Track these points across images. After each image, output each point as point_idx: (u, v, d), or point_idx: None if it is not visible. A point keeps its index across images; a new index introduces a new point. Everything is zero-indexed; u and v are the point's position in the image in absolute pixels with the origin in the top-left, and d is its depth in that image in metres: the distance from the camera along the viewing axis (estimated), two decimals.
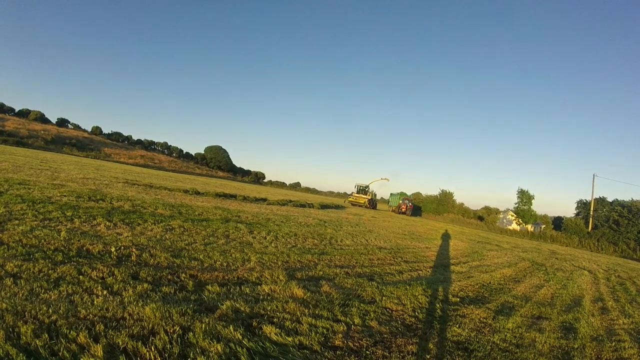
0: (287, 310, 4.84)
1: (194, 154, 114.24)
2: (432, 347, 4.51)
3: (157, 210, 11.39)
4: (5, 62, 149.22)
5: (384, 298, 6.16)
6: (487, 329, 5.52)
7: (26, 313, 3.50)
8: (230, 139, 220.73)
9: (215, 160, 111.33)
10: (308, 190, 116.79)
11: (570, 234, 45.87)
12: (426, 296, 6.74)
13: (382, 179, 64.00)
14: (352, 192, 59.72)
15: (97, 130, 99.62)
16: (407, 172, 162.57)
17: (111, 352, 3.12)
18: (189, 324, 3.85)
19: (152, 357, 3.13)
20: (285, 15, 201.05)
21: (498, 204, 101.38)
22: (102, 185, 16.04)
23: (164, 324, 3.74)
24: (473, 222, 57.24)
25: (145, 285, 4.85)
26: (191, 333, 3.65)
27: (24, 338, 3.09)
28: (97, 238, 6.89)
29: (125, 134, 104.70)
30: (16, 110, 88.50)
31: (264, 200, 24.21)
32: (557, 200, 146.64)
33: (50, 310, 3.62)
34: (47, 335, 3.16)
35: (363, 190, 59.15)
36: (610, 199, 54.48)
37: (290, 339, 3.93)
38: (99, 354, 3.04)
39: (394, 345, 4.35)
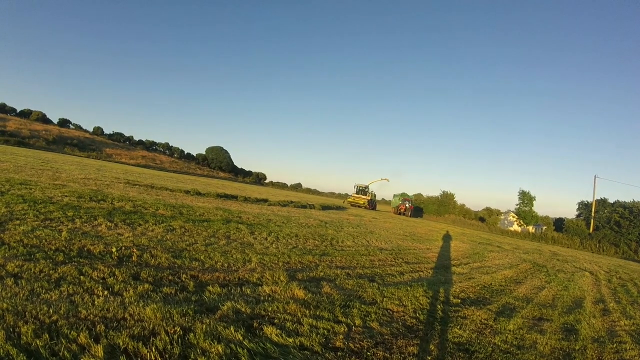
0: (288, 311, 4.84)
1: (195, 155, 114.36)
2: (433, 348, 4.50)
3: (158, 210, 11.39)
4: (7, 62, 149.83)
5: (385, 299, 6.16)
6: (488, 331, 5.51)
7: (27, 313, 3.50)
8: (232, 140, 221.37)
9: (217, 161, 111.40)
10: (309, 191, 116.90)
11: (572, 236, 45.80)
12: (427, 297, 6.74)
13: (381, 179, 63.67)
14: (354, 193, 59.34)
15: (98, 131, 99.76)
16: (409, 173, 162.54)
17: (112, 353, 3.12)
18: (189, 324, 3.85)
19: (153, 358, 3.13)
20: (285, 16, 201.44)
21: (499, 205, 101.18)
22: (103, 186, 16.05)
23: (164, 324, 3.74)
24: (474, 223, 57.22)
25: (146, 285, 4.84)
26: (192, 334, 3.64)
27: (25, 338, 3.09)
28: (98, 238, 6.89)
29: (127, 134, 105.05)
30: (18, 111, 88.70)
31: (265, 201, 24.19)
32: (559, 201, 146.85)
33: (51, 311, 3.62)
34: (47, 336, 3.16)
35: (362, 190, 58.78)
36: (611, 200, 54.49)
37: (291, 340, 3.93)
38: (100, 354, 3.03)
39: (395, 346, 4.34)
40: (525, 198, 55.64)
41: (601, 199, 55.86)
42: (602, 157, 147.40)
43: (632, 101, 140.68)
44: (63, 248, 5.86)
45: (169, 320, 3.85)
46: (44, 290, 4.13)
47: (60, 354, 2.97)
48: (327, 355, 3.78)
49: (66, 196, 10.92)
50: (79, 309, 3.78)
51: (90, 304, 3.98)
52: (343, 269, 7.95)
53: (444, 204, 68.03)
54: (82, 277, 4.78)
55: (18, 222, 7.01)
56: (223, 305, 4.56)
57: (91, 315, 3.68)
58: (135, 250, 6.45)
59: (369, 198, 56.54)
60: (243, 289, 5.46)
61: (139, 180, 23.64)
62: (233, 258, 7.20)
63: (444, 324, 5.50)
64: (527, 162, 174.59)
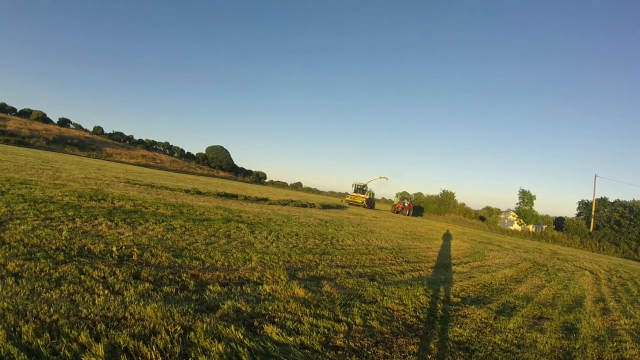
0: (289, 310, 4.84)
1: (195, 154, 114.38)
2: (433, 347, 4.51)
3: (159, 210, 11.40)
4: (7, 62, 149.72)
5: (385, 298, 6.16)
6: (489, 329, 5.52)
7: (27, 312, 3.51)
8: (232, 139, 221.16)
9: (217, 160, 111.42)
10: (309, 190, 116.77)
11: (572, 235, 45.80)
12: (427, 296, 6.74)
13: (380, 177, 63.09)
14: (352, 192, 58.99)
15: (98, 130, 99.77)
16: (409, 172, 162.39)
17: (112, 352, 3.12)
18: (190, 323, 3.85)
19: (154, 357, 3.13)
20: (285, 15, 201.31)
21: (499, 204, 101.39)
22: (103, 185, 16.05)
23: (165, 323, 3.74)
24: (474, 223, 57.22)
25: (147, 284, 4.85)
26: (192, 333, 3.65)
27: (25, 337, 3.09)
28: (98, 237, 6.89)
29: (127, 133, 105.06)
30: (18, 110, 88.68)
31: (266, 200, 24.19)
32: (559, 200, 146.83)
33: (52, 310, 3.62)
34: (48, 335, 3.17)
35: (361, 189, 58.33)
36: (611, 200, 54.55)
37: (291, 338, 3.93)
38: (100, 353, 3.04)
39: (395, 345, 4.35)
40: (526, 197, 55.67)
41: (601, 198, 55.92)
42: (602, 156, 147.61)
43: (633, 100, 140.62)
44: (63, 247, 5.87)
45: (170, 319, 3.85)
46: (44, 290, 4.13)
47: (61, 353, 2.98)
48: (327, 354, 3.78)
49: (66, 195, 10.92)
50: (80, 308, 3.79)
51: (90, 303, 3.99)
52: (343, 268, 7.95)
53: (444, 203, 68.01)
54: (82, 276, 4.78)
55: (18, 221, 7.02)
56: (223, 304, 4.56)
57: (92, 315, 3.69)
58: (135, 249, 6.45)
59: (368, 197, 56.14)
60: (243, 288, 5.46)
61: (139, 179, 23.64)
62: (233, 257, 7.21)
63: (444, 322, 5.51)
64: (528, 161, 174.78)
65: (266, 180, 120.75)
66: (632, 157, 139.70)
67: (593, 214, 53.30)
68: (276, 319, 4.44)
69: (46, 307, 3.65)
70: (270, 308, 4.77)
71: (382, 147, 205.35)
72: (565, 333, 6.01)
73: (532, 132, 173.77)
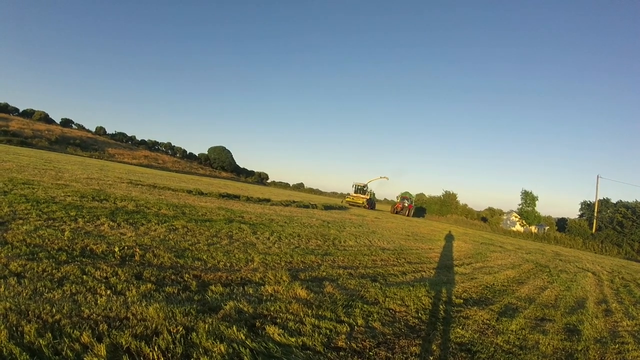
0: (291, 310, 4.84)
1: (197, 155, 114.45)
2: (435, 348, 4.50)
3: (161, 210, 11.41)
4: (10, 62, 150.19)
5: (387, 299, 6.15)
6: (491, 331, 5.51)
7: (30, 312, 3.51)
8: (234, 140, 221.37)
9: (219, 161, 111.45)
10: (311, 191, 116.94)
11: (574, 236, 45.73)
12: (429, 297, 6.73)
13: (381, 177, 62.32)
14: (352, 193, 58.39)
15: (101, 131, 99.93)
16: (411, 172, 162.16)
17: (114, 352, 3.13)
18: (192, 324, 3.85)
19: (156, 357, 3.13)
20: (287, 16, 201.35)
21: (502, 205, 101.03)
22: (105, 186, 16.08)
23: (167, 324, 3.74)
24: (476, 223, 57.16)
25: (149, 285, 4.85)
26: (194, 333, 3.65)
27: (28, 337, 3.09)
28: (100, 238, 6.90)
29: (129, 134, 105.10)
30: (20, 111, 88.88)
31: (268, 200, 24.20)
32: (561, 201, 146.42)
33: (54, 310, 3.62)
34: (50, 335, 3.17)
35: (361, 189, 57.70)
36: (614, 200, 54.36)
37: (293, 339, 3.93)
38: (102, 353, 3.04)
39: (397, 346, 4.34)
40: (528, 198, 55.53)
41: (604, 199, 55.74)
42: (605, 157, 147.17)
43: (636, 100, 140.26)
44: (66, 247, 5.88)
45: (172, 320, 3.85)
46: (46, 290, 4.14)
47: (63, 353, 2.98)
48: (329, 355, 3.78)
49: (69, 196, 10.94)
50: (82, 308, 3.79)
51: (93, 303, 3.99)
52: (345, 269, 7.95)
53: (446, 204, 67.87)
54: (84, 276, 4.79)
55: (21, 221, 7.03)
56: (225, 305, 4.56)
57: (94, 315, 3.69)
58: (137, 249, 6.46)
59: (368, 197, 55.52)
60: (245, 288, 5.46)
61: (142, 180, 23.67)
62: (235, 258, 7.21)
63: (446, 324, 5.50)
64: (530, 162, 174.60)
65: (268, 181, 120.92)
66: (634, 158, 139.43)
67: (595, 215, 53.14)
68: (278, 320, 4.44)
69: (48, 307, 3.65)
70: (272, 309, 4.77)
71: (384, 147, 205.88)
72: (567, 335, 6.00)
73: (535, 133, 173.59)
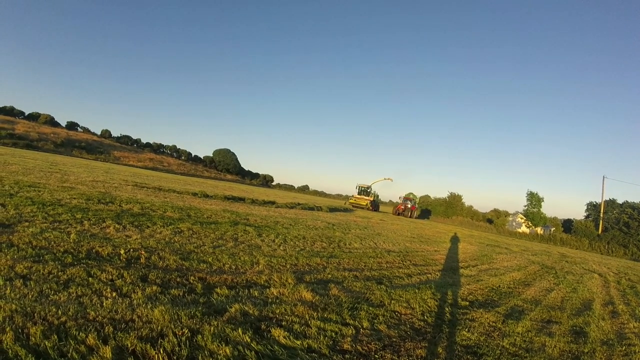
0: (296, 313, 4.83)
1: (202, 157, 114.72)
2: (441, 351, 4.48)
3: (166, 212, 11.44)
4: (15, 65, 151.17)
5: (392, 301, 6.13)
6: (497, 333, 5.48)
7: (35, 314, 3.52)
8: (239, 142, 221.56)
9: (224, 163, 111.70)
10: (316, 193, 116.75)
11: (580, 237, 45.47)
12: (435, 300, 6.71)
13: (385, 179, 61.37)
14: (355, 194, 57.58)
15: (106, 134, 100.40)
16: (416, 174, 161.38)
17: (120, 354, 3.13)
18: (197, 326, 3.85)
19: None
20: (291, 18, 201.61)
21: (507, 206, 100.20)
22: (111, 188, 16.13)
23: (172, 326, 3.75)
24: (482, 225, 56.95)
25: (154, 287, 4.86)
26: (200, 336, 3.65)
27: (33, 339, 3.10)
28: (106, 240, 6.92)
29: (135, 137, 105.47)
30: (26, 114, 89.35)
31: (273, 203, 24.19)
32: (567, 202, 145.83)
33: (60, 312, 3.63)
34: (56, 337, 3.18)
35: (365, 191, 56.72)
36: (620, 201, 54.19)
37: (298, 342, 3.92)
38: (108, 355, 3.04)
39: (402, 349, 4.33)
40: (534, 199, 55.32)
41: (610, 199, 55.64)
42: (610, 157, 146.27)
43: None
44: (72, 250, 5.89)
45: (177, 322, 3.85)
46: (52, 292, 4.15)
47: (69, 355, 2.98)
48: (334, 357, 3.77)
49: (74, 198, 10.98)
50: (88, 310, 3.80)
51: (98, 305, 4.00)
52: (351, 271, 7.94)
53: (452, 206, 67.62)
54: (90, 278, 4.80)
55: (27, 224, 7.06)
56: (231, 307, 4.56)
57: (99, 317, 3.70)
58: (143, 252, 6.47)
59: (372, 199, 54.89)
60: (251, 291, 5.46)
61: (147, 182, 23.72)
62: (241, 260, 7.21)
63: (452, 326, 5.48)
64: (536, 163, 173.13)
65: (273, 183, 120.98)
66: None
67: (601, 215, 52.96)
68: (283, 323, 4.44)
69: (54, 309, 3.66)
70: (277, 311, 4.76)
71: (389, 149, 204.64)
72: (574, 337, 5.96)
73: (540, 133, 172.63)
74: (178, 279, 5.44)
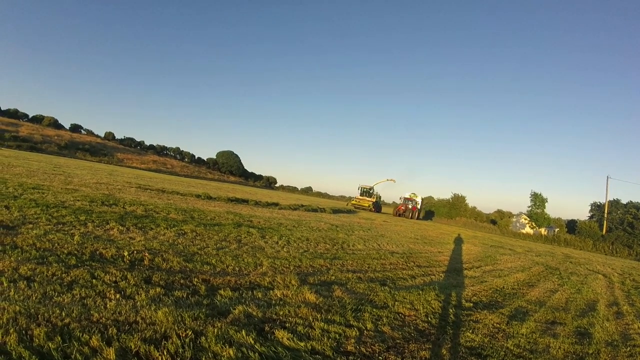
0: (300, 315, 4.82)
1: (205, 159, 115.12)
2: (445, 352, 4.47)
3: (170, 214, 11.45)
4: (20, 68, 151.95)
5: (396, 303, 6.12)
6: (501, 335, 5.46)
7: (39, 316, 3.52)
8: (242, 144, 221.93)
9: (227, 165, 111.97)
10: (320, 194, 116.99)
11: (584, 237, 45.25)
12: (439, 301, 6.69)
13: (387, 180, 61.61)
14: (357, 195, 57.15)
15: (109, 136, 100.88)
16: (419, 175, 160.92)
17: (124, 356, 3.13)
18: (201, 328, 3.85)
19: None
20: (295, 19, 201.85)
21: (511, 207, 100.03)
22: (115, 190, 16.16)
23: (176, 328, 3.74)
24: (486, 226, 56.82)
25: (158, 289, 4.86)
26: (203, 337, 3.64)
27: (37, 340, 3.10)
28: (110, 242, 6.93)
29: (138, 139, 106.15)
30: (30, 116, 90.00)
31: (276, 204, 24.16)
32: (571, 203, 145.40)
33: (64, 313, 3.64)
34: (60, 338, 3.18)
35: (367, 192, 56.65)
36: (624, 201, 54.01)
37: (302, 344, 3.91)
38: (112, 357, 3.04)
39: (406, 350, 4.31)
40: (537, 200, 55.05)
41: (614, 200, 55.51)
42: (614, 158, 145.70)
43: None
44: (75, 252, 5.91)
45: (181, 324, 3.85)
46: (56, 294, 4.16)
47: (73, 356, 2.98)
48: (338, 359, 3.76)
49: (78, 200, 11.01)
50: (91, 312, 3.80)
51: (102, 307, 4.00)
52: (354, 273, 7.93)
53: (455, 207, 67.47)
54: (94, 280, 4.81)
55: (31, 225, 7.08)
56: (234, 309, 4.56)
57: (103, 319, 3.70)
58: (147, 254, 6.48)
59: (374, 200, 54.79)
60: (254, 292, 5.46)
61: (150, 184, 23.76)
62: (244, 262, 7.21)
63: (456, 328, 5.46)
64: (539, 164, 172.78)
65: (276, 185, 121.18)
66: None
67: (605, 216, 52.80)
68: (287, 324, 4.43)
69: (58, 311, 3.67)
70: (281, 313, 4.75)
71: (392, 150, 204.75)
72: (578, 338, 5.93)
73: (544, 134, 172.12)
74: (182, 281, 5.44)
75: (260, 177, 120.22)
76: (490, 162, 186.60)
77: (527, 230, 55.77)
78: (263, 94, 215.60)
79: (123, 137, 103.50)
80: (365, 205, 52.81)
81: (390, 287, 7.21)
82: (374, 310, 5.54)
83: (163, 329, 3.67)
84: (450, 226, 48.14)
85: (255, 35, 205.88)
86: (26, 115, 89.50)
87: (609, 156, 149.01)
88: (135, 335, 3.45)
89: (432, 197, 75.82)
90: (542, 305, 7.96)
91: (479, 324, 5.81)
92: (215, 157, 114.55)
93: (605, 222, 51.90)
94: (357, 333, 4.54)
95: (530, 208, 56.04)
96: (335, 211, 30.00)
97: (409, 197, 58.14)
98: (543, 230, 54.65)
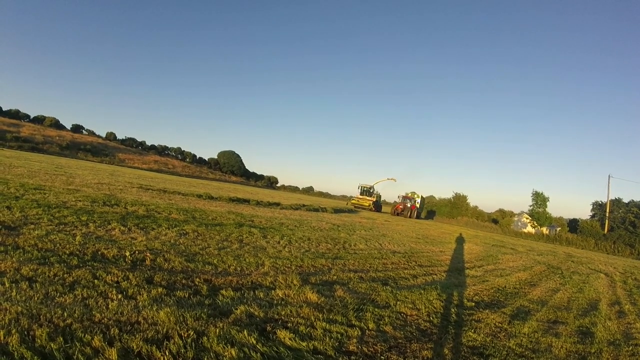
0: (301, 314, 4.82)
1: (207, 159, 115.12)
2: (447, 352, 4.46)
3: (171, 214, 11.45)
4: (21, 68, 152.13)
5: (398, 303, 6.11)
6: (503, 334, 5.45)
7: (41, 316, 3.53)
8: (243, 144, 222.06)
9: (229, 165, 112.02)
10: (321, 194, 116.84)
11: (586, 237, 45.17)
12: (441, 301, 6.68)
13: (388, 179, 60.96)
14: (357, 195, 56.46)
15: (111, 136, 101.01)
16: (421, 174, 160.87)
17: (125, 356, 3.13)
18: (203, 328, 3.85)
19: None
20: (297, 19, 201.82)
21: (512, 206, 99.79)
22: (116, 190, 16.17)
23: (178, 328, 3.74)
24: (487, 225, 56.74)
25: (160, 289, 4.86)
26: (205, 337, 3.64)
27: (39, 341, 3.11)
28: (111, 242, 6.93)
29: (139, 139, 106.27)
30: (31, 117, 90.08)
31: (277, 204, 24.17)
32: (573, 202, 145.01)
33: (65, 314, 3.64)
34: (62, 339, 3.18)
35: (367, 191, 55.87)
36: (626, 200, 53.90)
37: (304, 343, 3.91)
38: (114, 357, 3.04)
39: (408, 350, 4.31)
40: (539, 199, 54.99)
41: (616, 198, 55.35)
42: (616, 157, 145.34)
43: None
44: (77, 252, 5.91)
45: (183, 324, 3.85)
46: (58, 294, 4.16)
47: (75, 357, 2.98)
48: (340, 359, 3.76)
49: (80, 201, 11.02)
50: (93, 312, 3.80)
51: (104, 307, 4.00)
52: (356, 273, 7.92)
53: (457, 206, 67.43)
54: (96, 280, 4.81)
55: (32, 226, 7.08)
56: (236, 309, 4.56)
57: (105, 319, 3.70)
58: (148, 254, 6.48)
59: (374, 199, 54.13)
60: (256, 292, 5.46)
61: (152, 184, 23.77)
62: (246, 262, 7.21)
63: (458, 327, 5.45)
64: (541, 163, 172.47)
65: (278, 185, 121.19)
66: None
67: (607, 215, 52.67)
68: (289, 324, 4.43)
69: (60, 311, 3.67)
70: (283, 313, 4.75)
71: (393, 150, 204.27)
72: (580, 337, 5.92)
73: (545, 133, 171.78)
74: (183, 281, 5.44)
75: (261, 177, 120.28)
76: (492, 162, 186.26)
77: (529, 229, 55.72)
78: (264, 94, 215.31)
79: (124, 138, 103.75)
80: (365, 204, 52.32)
81: (392, 286, 7.20)
82: (376, 310, 5.54)
83: (165, 329, 3.67)
84: (451, 225, 48.12)
85: (257, 35, 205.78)
86: (27, 116, 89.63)
87: (611, 155, 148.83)
88: (137, 336, 3.45)
89: (434, 197, 75.86)
90: (544, 304, 7.94)
91: (481, 323, 5.80)
92: (216, 157, 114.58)
93: (607, 221, 51.79)
94: (359, 333, 4.53)
95: (531, 207, 56.03)
96: (337, 211, 30.00)
97: (407, 195, 56.94)
98: (545, 230, 54.61)
